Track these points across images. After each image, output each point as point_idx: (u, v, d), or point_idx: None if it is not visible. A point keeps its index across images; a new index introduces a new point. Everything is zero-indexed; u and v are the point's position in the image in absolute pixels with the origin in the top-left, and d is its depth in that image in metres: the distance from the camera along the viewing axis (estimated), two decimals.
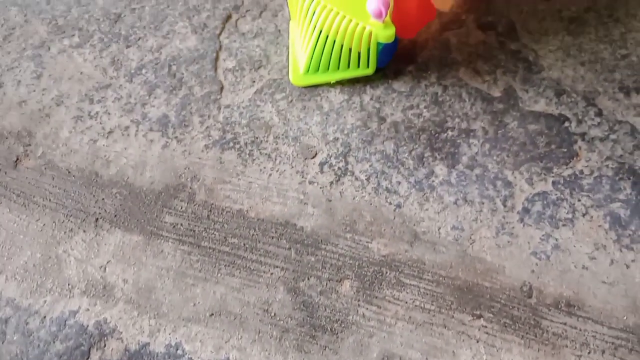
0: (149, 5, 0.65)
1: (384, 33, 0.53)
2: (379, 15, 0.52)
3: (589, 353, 0.44)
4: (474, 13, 0.65)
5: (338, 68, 0.58)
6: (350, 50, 0.56)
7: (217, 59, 0.61)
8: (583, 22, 0.65)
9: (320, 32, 0.56)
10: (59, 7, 0.66)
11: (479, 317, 0.46)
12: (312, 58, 0.57)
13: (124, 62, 0.60)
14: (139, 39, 0.62)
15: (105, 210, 0.51)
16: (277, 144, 0.54)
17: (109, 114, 0.56)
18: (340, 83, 0.58)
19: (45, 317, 0.46)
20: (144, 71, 0.60)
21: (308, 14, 0.57)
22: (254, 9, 0.65)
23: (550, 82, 0.59)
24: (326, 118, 0.56)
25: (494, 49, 0.62)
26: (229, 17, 0.64)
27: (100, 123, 0.56)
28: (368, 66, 0.57)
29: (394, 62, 0.60)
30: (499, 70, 0.60)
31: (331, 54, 0.57)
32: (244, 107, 0.57)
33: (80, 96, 0.58)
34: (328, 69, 0.58)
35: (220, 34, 0.63)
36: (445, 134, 0.55)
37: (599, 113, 0.57)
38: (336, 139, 0.55)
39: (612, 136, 0.55)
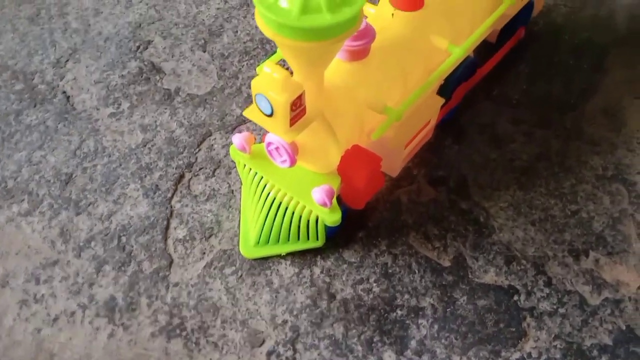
0: (101, 164, 0.65)
1: (330, 218, 0.53)
2: (323, 205, 0.52)
3: None
4: (425, 167, 0.66)
5: (288, 240, 0.58)
6: (299, 224, 0.56)
7: (167, 227, 0.60)
8: (534, 173, 0.66)
9: (270, 208, 0.56)
10: (9, 166, 0.65)
11: None
12: (261, 231, 0.57)
13: (73, 233, 0.60)
14: (89, 205, 0.62)
15: None
16: (224, 330, 0.54)
17: (55, 296, 0.56)
18: (291, 254, 0.58)
19: None
20: (92, 244, 0.59)
21: (257, 190, 0.57)
22: (208, 166, 0.65)
23: (501, 246, 0.59)
24: (276, 296, 0.56)
25: (444, 209, 0.62)
26: (181, 176, 0.64)
27: (46, 308, 0.55)
28: (317, 239, 0.57)
29: (345, 227, 0.60)
30: (449, 235, 0.60)
31: (280, 228, 0.57)
32: (193, 285, 0.56)
33: (27, 275, 0.57)
34: (278, 241, 0.58)
35: (172, 197, 0.63)
36: (395, 314, 0.55)
37: (548, 282, 0.57)
38: (285, 322, 0.54)
39: (561, 310, 0.55)
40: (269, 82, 0.44)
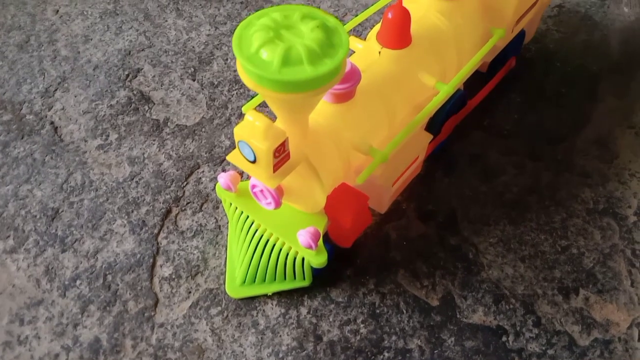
0: (87, 199, 0.65)
1: (316, 260, 0.53)
2: (309, 247, 0.52)
3: None
4: (414, 201, 0.65)
5: (275, 280, 0.57)
6: (285, 264, 0.56)
7: (153, 265, 0.60)
8: (525, 206, 0.65)
9: (256, 247, 0.56)
10: None
11: None
12: (247, 271, 0.57)
13: (58, 271, 0.59)
14: (75, 241, 0.61)
15: None
16: None
17: (39, 338, 0.55)
18: (278, 293, 0.58)
19: None
20: (78, 282, 0.58)
21: (243, 228, 0.57)
22: (195, 200, 0.65)
23: (490, 284, 0.59)
24: (261, 338, 0.55)
25: (433, 245, 0.62)
26: (168, 211, 0.64)
27: (30, 350, 0.54)
28: (304, 279, 0.57)
29: (333, 263, 0.59)
30: (438, 272, 0.60)
31: (267, 267, 0.56)
32: (178, 326, 0.56)
33: (11, 316, 0.57)
34: (264, 280, 0.57)
35: (158, 233, 0.62)
36: (382, 356, 0.54)
37: (538, 322, 0.56)
38: None
39: (550, 351, 0.55)
40: (251, 130, 0.44)
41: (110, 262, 0.60)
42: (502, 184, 0.67)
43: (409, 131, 0.53)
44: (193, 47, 0.81)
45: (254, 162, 0.46)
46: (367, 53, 0.57)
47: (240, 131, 0.44)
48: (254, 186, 0.51)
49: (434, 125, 0.62)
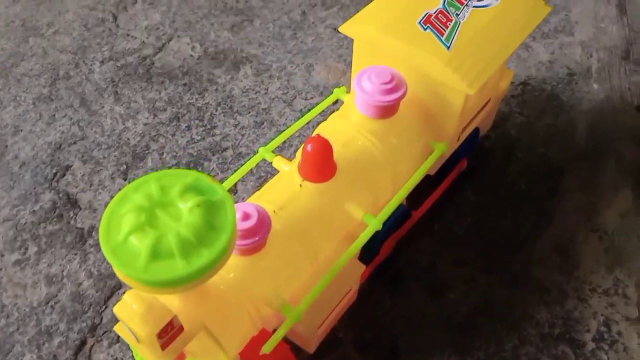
0: None
1: None
2: None
3: None
4: (353, 328, 0.59)
5: None
6: None
7: None
8: (474, 331, 0.60)
9: None
10: None
11: None
12: None
13: None
14: None
15: None
16: None
17: None
18: None
19: None
20: None
21: None
22: (113, 328, 0.59)
23: None
24: None
25: None
26: (83, 343, 0.58)
27: None
28: None
29: None
30: None
31: None
32: None
33: None
34: None
35: None
36: None
37: None
38: None
39: None
40: (129, 313, 0.39)
41: None
42: (451, 303, 0.62)
43: (327, 282, 0.48)
44: (128, 139, 0.76)
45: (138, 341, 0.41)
46: (290, 180, 0.52)
47: (119, 312, 0.39)
48: None
49: (370, 249, 0.57)
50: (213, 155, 0.74)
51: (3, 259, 0.65)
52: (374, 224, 0.51)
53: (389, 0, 0.59)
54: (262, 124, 0.77)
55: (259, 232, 0.45)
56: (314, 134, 0.56)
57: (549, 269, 0.64)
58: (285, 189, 0.51)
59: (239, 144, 0.75)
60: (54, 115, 0.79)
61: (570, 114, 0.80)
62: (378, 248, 0.59)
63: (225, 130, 0.77)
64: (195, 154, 0.74)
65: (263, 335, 0.50)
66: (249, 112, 0.79)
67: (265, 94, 0.81)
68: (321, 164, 0.49)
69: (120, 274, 0.35)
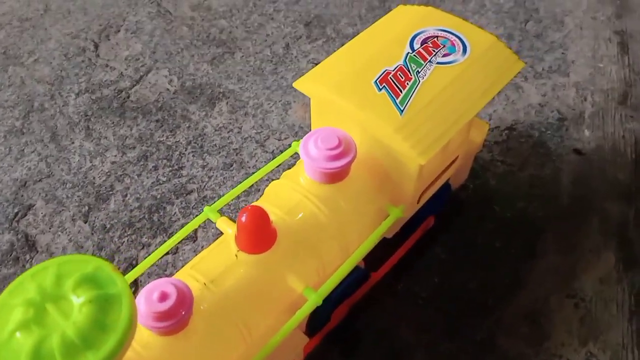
0: None
1: None
2: None
3: None
4: None
5: None
6: None
7: None
8: None
9: None
10: None
11: None
12: None
13: None
14: None
15: None
16: None
17: None
18: None
19: None
20: None
21: None
22: None
23: None
24: None
25: None
26: None
27: None
28: None
29: None
30: None
31: None
32: None
33: None
34: None
35: None
36: None
37: None
38: None
39: None
40: None
41: None
42: None
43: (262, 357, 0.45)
44: (94, 177, 0.74)
45: None
46: (226, 249, 0.49)
47: None
48: None
49: (319, 317, 0.54)
50: (177, 198, 0.72)
51: None
52: (314, 299, 0.48)
53: (348, 54, 0.56)
54: (232, 165, 0.75)
55: (177, 314, 0.42)
56: (259, 199, 0.53)
57: (517, 339, 0.60)
58: (221, 260, 0.48)
59: (204, 186, 0.73)
60: (24, 150, 0.78)
61: (557, 164, 0.75)
62: (328, 316, 0.56)
63: (193, 171, 0.74)
64: (158, 196, 0.72)
65: None
66: (219, 152, 0.76)
67: (239, 132, 0.79)
68: (256, 235, 0.47)
69: None
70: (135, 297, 0.42)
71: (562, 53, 0.90)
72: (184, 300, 0.43)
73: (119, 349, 0.34)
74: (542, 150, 0.77)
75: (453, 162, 0.59)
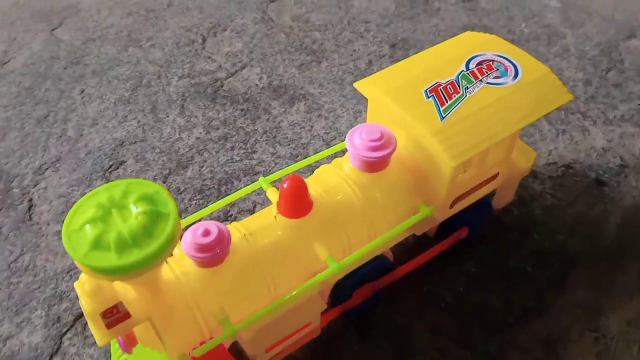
0: (24, 282, 0.70)
1: None
2: None
3: None
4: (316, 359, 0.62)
5: None
6: None
7: None
8: None
9: None
10: None
11: None
12: None
13: None
14: None
15: None
16: None
17: None
18: None
19: None
20: None
21: None
22: None
23: None
24: None
25: None
26: (81, 314, 0.67)
27: None
28: None
29: None
30: None
31: None
32: None
33: None
34: None
35: (65, 332, 0.65)
36: None
37: None
38: None
39: None
40: (82, 288, 0.46)
41: (13, 351, 0.64)
42: None
43: (273, 309, 0.51)
44: (179, 148, 0.85)
45: None
46: (269, 212, 0.57)
47: (77, 287, 0.46)
48: None
49: (341, 291, 0.60)
50: (245, 176, 0.81)
51: (48, 227, 0.76)
52: (334, 267, 0.54)
53: (408, 65, 0.62)
54: (297, 156, 0.83)
55: (215, 249, 0.50)
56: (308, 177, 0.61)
57: (528, 358, 0.62)
58: (263, 219, 0.56)
59: (270, 170, 0.81)
60: (127, 116, 0.91)
61: (607, 207, 0.76)
62: (349, 292, 0.61)
63: (263, 156, 0.83)
64: (229, 172, 0.81)
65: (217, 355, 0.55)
66: (289, 144, 0.85)
67: (309, 130, 0.87)
68: (294, 201, 0.54)
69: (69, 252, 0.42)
70: (186, 231, 0.51)
71: (639, 104, 0.90)
72: (222, 240, 0.50)
73: (159, 254, 0.42)
74: (596, 191, 0.78)
75: (492, 178, 0.63)
